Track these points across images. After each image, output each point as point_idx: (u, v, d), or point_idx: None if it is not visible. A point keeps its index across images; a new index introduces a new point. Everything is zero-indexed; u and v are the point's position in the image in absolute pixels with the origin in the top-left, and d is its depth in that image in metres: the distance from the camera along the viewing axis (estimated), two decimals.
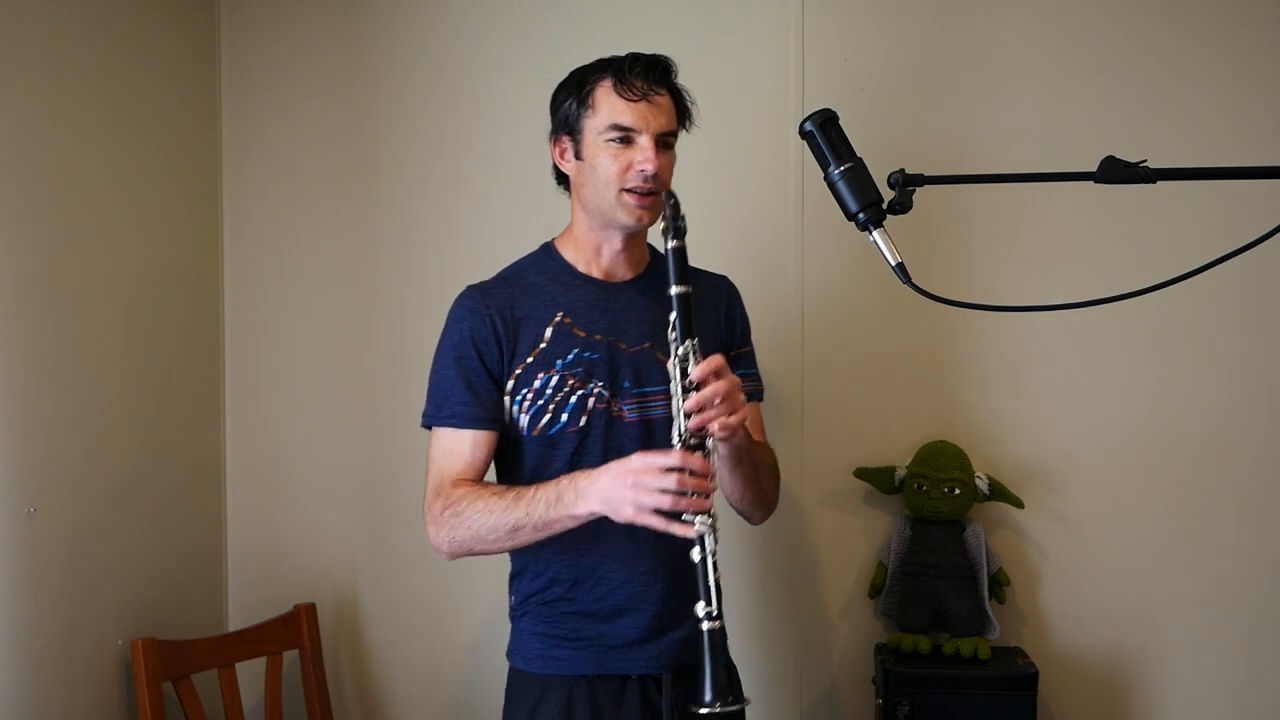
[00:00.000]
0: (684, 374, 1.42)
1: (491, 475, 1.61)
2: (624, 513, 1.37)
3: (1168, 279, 1.14)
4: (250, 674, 2.15)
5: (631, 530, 1.54)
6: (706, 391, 1.40)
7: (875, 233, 1.24)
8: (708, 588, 1.37)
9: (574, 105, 1.54)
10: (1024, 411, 2.14)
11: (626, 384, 1.57)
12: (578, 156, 1.55)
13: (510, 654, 1.64)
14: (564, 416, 1.54)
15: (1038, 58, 2.13)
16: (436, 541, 1.52)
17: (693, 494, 1.36)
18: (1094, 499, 2.12)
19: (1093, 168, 1.15)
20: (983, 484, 2.06)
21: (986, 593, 2.05)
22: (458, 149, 2.28)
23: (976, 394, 2.16)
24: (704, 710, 1.35)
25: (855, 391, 2.19)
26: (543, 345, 1.55)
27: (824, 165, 1.28)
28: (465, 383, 1.53)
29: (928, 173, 1.22)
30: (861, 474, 2.14)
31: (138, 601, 2.06)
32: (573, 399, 1.54)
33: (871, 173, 1.26)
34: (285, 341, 2.34)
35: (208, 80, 2.31)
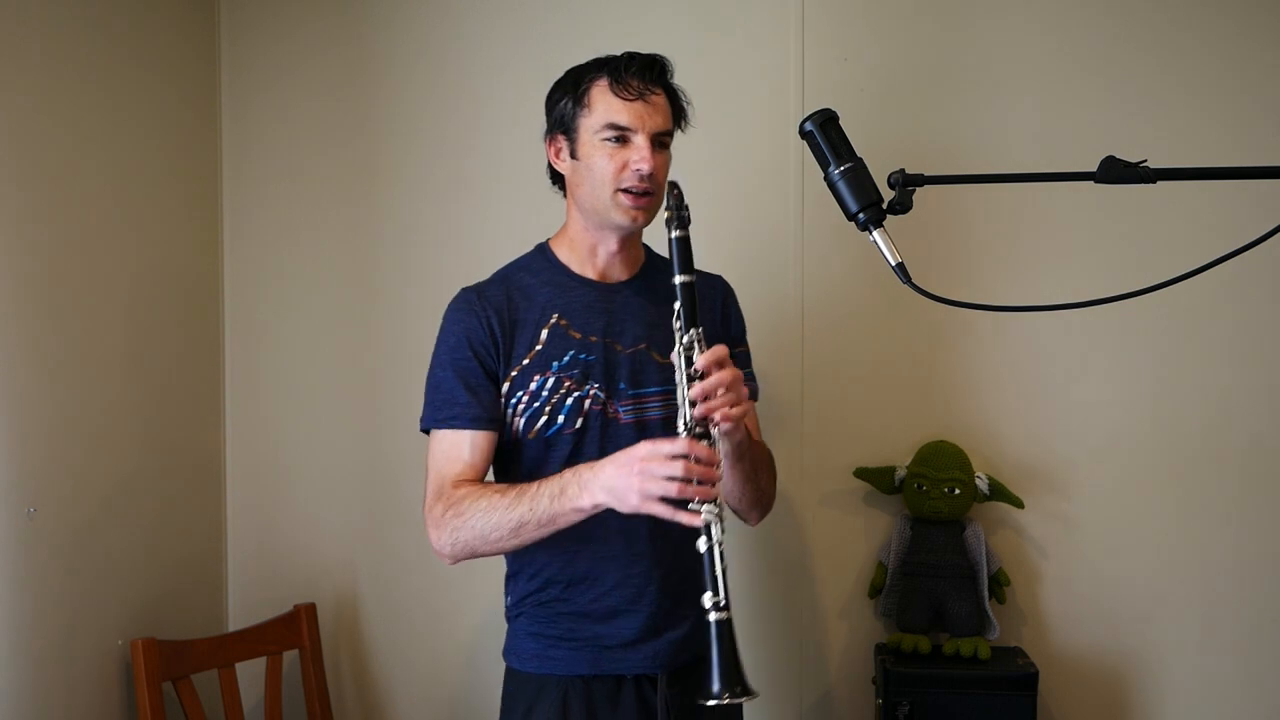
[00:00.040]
0: (689, 362, 1.41)
1: (489, 478, 1.60)
2: (630, 501, 1.35)
3: (1168, 279, 1.14)
4: (250, 674, 2.15)
5: (626, 532, 1.54)
6: (712, 380, 1.39)
7: (875, 233, 1.24)
8: (715, 577, 1.35)
9: (569, 104, 1.54)
10: (1024, 411, 2.14)
11: (622, 385, 1.56)
12: (573, 156, 1.55)
13: (506, 654, 1.64)
14: (560, 418, 1.54)
15: (1038, 58, 2.13)
16: (439, 545, 1.50)
17: (699, 482, 1.35)
18: (1094, 499, 2.12)
19: (1093, 168, 1.15)
20: (983, 484, 2.06)
21: (986, 593, 2.05)
22: (458, 149, 2.28)
23: (976, 394, 2.16)
24: (711, 702, 1.33)
25: (855, 391, 2.19)
26: (538, 347, 1.55)
27: (824, 165, 1.28)
28: (464, 384, 1.53)
29: (928, 173, 1.22)
30: (861, 474, 2.14)
31: (138, 601, 2.06)
32: (569, 401, 1.54)
33: (871, 173, 1.26)
34: (285, 341, 2.34)
35: (208, 80, 2.31)
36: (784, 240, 2.19)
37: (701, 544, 1.36)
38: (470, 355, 1.54)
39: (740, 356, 1.70)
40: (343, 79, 2.31)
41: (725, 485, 1.56)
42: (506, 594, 1.65)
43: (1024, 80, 2.13)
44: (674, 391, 1.56)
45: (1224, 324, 2.09)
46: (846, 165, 1.26)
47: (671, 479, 1.34)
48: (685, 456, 1.34)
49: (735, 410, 1.41)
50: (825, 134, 1.28)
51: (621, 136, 1.49)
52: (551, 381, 1.54)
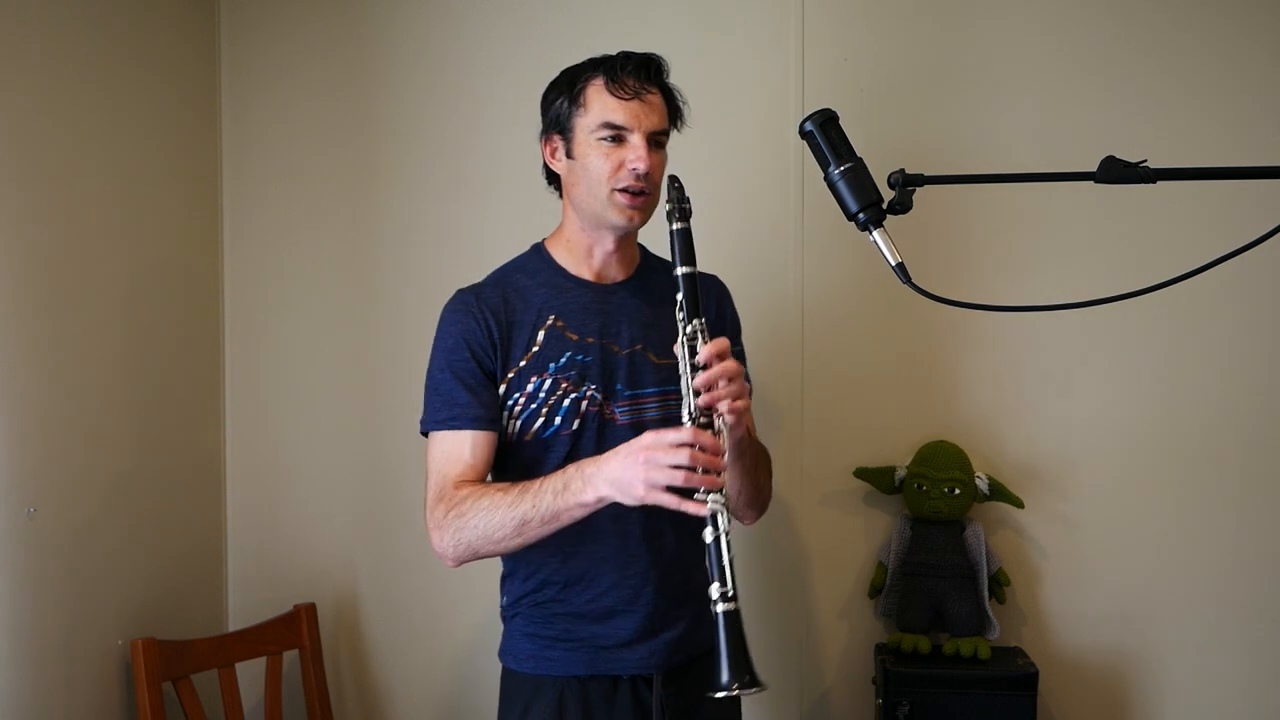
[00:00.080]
0: (693, 352, 1.41)
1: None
2: (635, 492, 1.34)
3: (1168, 279, 1.14)
4: (250, 674, 2.15)
5: (622, 532, 1.54)
6: (715, 370, 1.39)
7: (875, 233, 1.24)
8: (722, 568, 1.33)
9: (565, 104, 1.54)
10: (1024, 411, 2.14)
11: (619, 386, 1.56)
12: (569, 155, 1.55)
13: (502, 654, 1.64)
14: (557, 420, 1.53)
15: (1038, 58, 2.13)
16: (441, 548, 1.49)
17: (704, 471, 1.33)
18: (1094, 499, 2.12)
19: (1093, 168, 1.15)
20: (983, 484, 2.06)
21: (986, 593, 2.05)
22: (458, 149, 2.28)
23: (976, 394, 2.16)
24: (720, 694, 1.31)
25: (855, 392, 2.19)
26: (535, 349, 1.55)
27: (824, 165, 1.28)
28: (463, 384, 1.52)
29: (928, 173, 1.22)
30: (861, 474, 2.14)
31: (138, 601, 2.06)
32: (565, 402, 1.54)
33: (871, 173, 1.26)
34: (285, 341, 2.34)
35: (208, 80, 2.31)
36: (784, 240, 2.19)
37: (708, 534, 1.34)
38: (469, 356, 1.53)
39: (735, 356, 1.69)
40: (343, 79, 2.31)
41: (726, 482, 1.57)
42: (502, 594, 1.65)
43: (1024, 80, 2.13)
44: (671, 392, 1.56)
45: (1224, 324, 2.09)
46: (846, 165, 1.26)
47: (677, 467, 1.32)
48: (690, 445, 1.33)
49: (740, 403, 1.41)
50: (825, 134, 1.28)
51: (617, 136, 1.49)
52: (549, 383, 1.54)
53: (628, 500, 1.35)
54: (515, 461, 1.56)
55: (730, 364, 1.40)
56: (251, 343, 2.35)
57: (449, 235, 2.27)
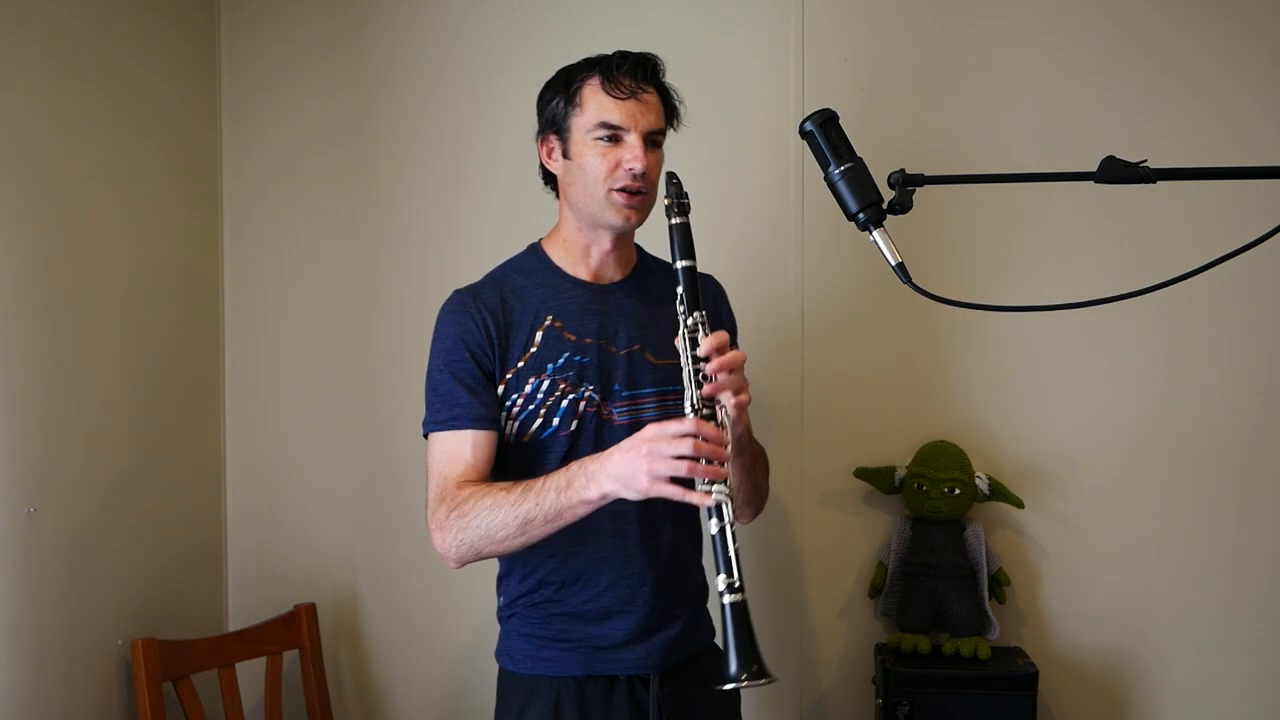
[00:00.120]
0: (694, 344, 1.40)
1: None
2: (639, 485, 1.32)
3: (1168, 279, 1.14)
4: (250, 674, 2.15)
5: (620, 532, 1.54)
6: (720, 361, 1.39)
7: (875, 233, 1.24)
8: (728, 559, 1.32)
9: (561, 104, 1.54)
10: (1024, 411, 2.14)
11: (617, 387, 1.56)
12: (565, 156, 1.55)
13: (499, 655, 1.64)
14: (555, 421, 1.53)
15: (1038, 58, 2.13)
16: (443, 548, 1.48)
17: (708, 462, 1.33)
18: (1094, 499, 2.12)
19: (1093, 168, 1.15)
20: (983, 484, 2.06)
21: (986, 593, 2.05)
22: (458, 149, 2.28)
23: (976, 394, 2.16)
24: (729, 685, 1.29)
25: (855, 391, 2.19)
26: (533, 350, 1.54)
27: (824, 165, 1.28)
28: (462, 385, 1.52)
29: (928, 173, 1.22)
30: (861, 474, 2.14)
31: (137, 601, 2.06)
32: (564, 403, 1.53)
33: (871, 173, 1.26)
34: (285, 341, 2.34)
35: (208, 80, 2.31)
36: (784, 240, 2.19)
37: (713, 526, 1.34)
38: (467, 357, 1.53)
39: None
40: (343, 79, 2.31)
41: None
42: (498, 594, 1.65)
43: (1024, 80, 2.13)
44: (669, 393, 1.56)
45: (1224, 324, 2.09)
46: (846, 165, 1.26)
47: (680, 458, 1.31)
48: (693, 435, 1.32)
49: (744, 396, 1.41)
50: (825, 134, 1.28)
51: (614, 135, 1.49)
52: (547, 384, 1.53)
53: (632, 494, 1.34)
54: (513, 463, 1.55)
55: (732, 356, 1.40)
56: (251, 343, 2.35)
57: (449, 235, 2.27)
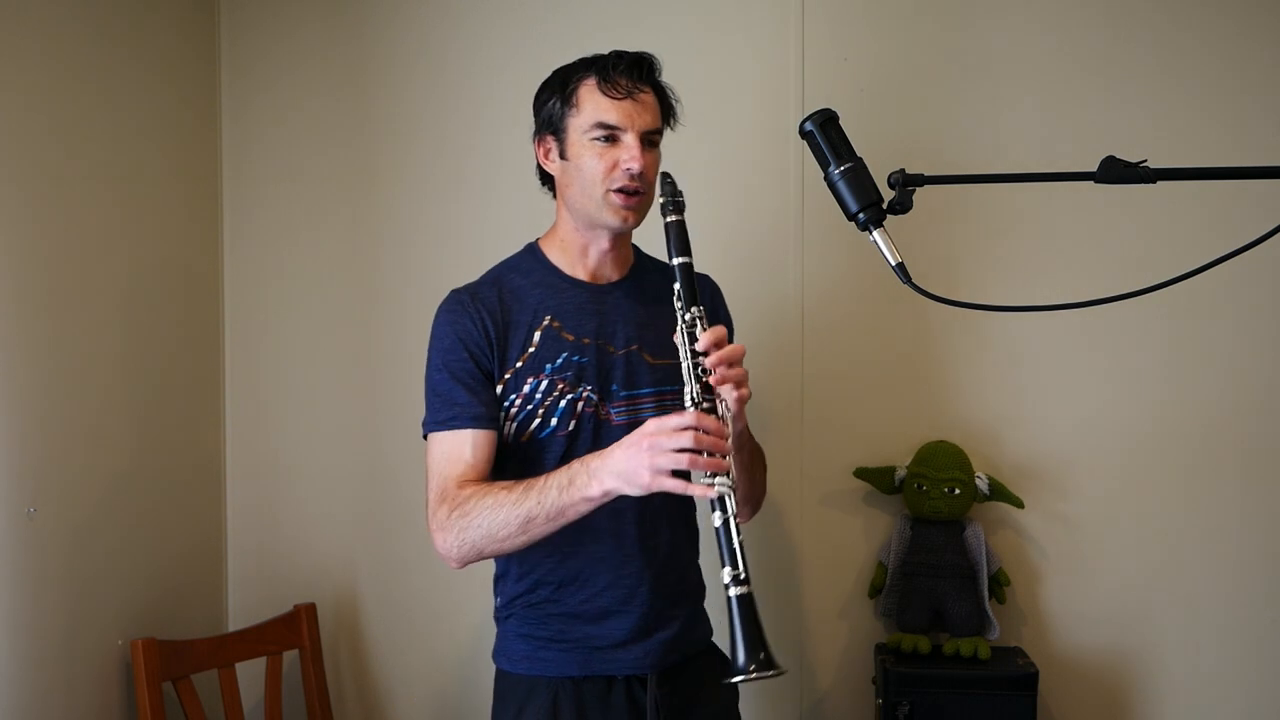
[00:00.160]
0: (692, 338, 1.40)
1: None
2: (641, 480, 1.32)
3: (1168, 279, 1.14)
4: (250, 674, 2.15)
5: (618, 532, 1.54)
6: (720, 354, 1.38)
7: (875, 233, 1.24)
8: (733, 551, 1.31)
9: (558, 104, 1.53)
10: (1024, 411, 2.14)
11: (615, 387, 1.56)
12: (562, 156, 1.54)
13: (496, 655, 1.64)
14: (553, 421, 1.53)
15: (1038, 58, 2.13)
16: (445, 548, 1.47)
17: (709, 454, 1.32)
18: (1094, 499, 2.13)
19: (1093, 168, 1.15)
20: (983, 484, 2.06)
21: (986, 593, 2.05)
22: (458, 149, 2.28)
23: (976, 394, 2.16)
24: (738, 678, 1.28)
25: (855, 391, 2.19)
26: (531, 350, 1.54)
27: (824, 165, 1.28)
28: (461, 384, 1.52)
29: (928, 173, 1.22)
30: (861, 474, 2.14)
31: (138, 601, 2.06)
32: (562, 403, 1.53)
33: (871, 173, 1.26)
34: (285, 341, 2.35)
35: (208, 80, 2.31)
36: (784, 240, 2.19)
37: (716, 518, 1.33)
38: (466, 356, 1.53)
39: None
40: (343, 79, 2.31)
41: None
42: (495, 595, 1.65)
43: (1024, 80, 2.13)
44: (667, 393, 1.57)
45: (1224, 324, 2.09)
46: (846, 165, 1.26)
47: (681, 450, 1.31)
48: (694, 429, 1.32)
49: (745, 390, 1.41)
50: (825, 134, 1.28)
51: (611, 136, 1.49)
52: (545, 384, 1.53)
53: (634, 490, 1.33)
54: (511, 463, 1.55)
55: (731, 349, 1.40)
56: (251, 343, 2.35)
57: (449, 235, 2.27)
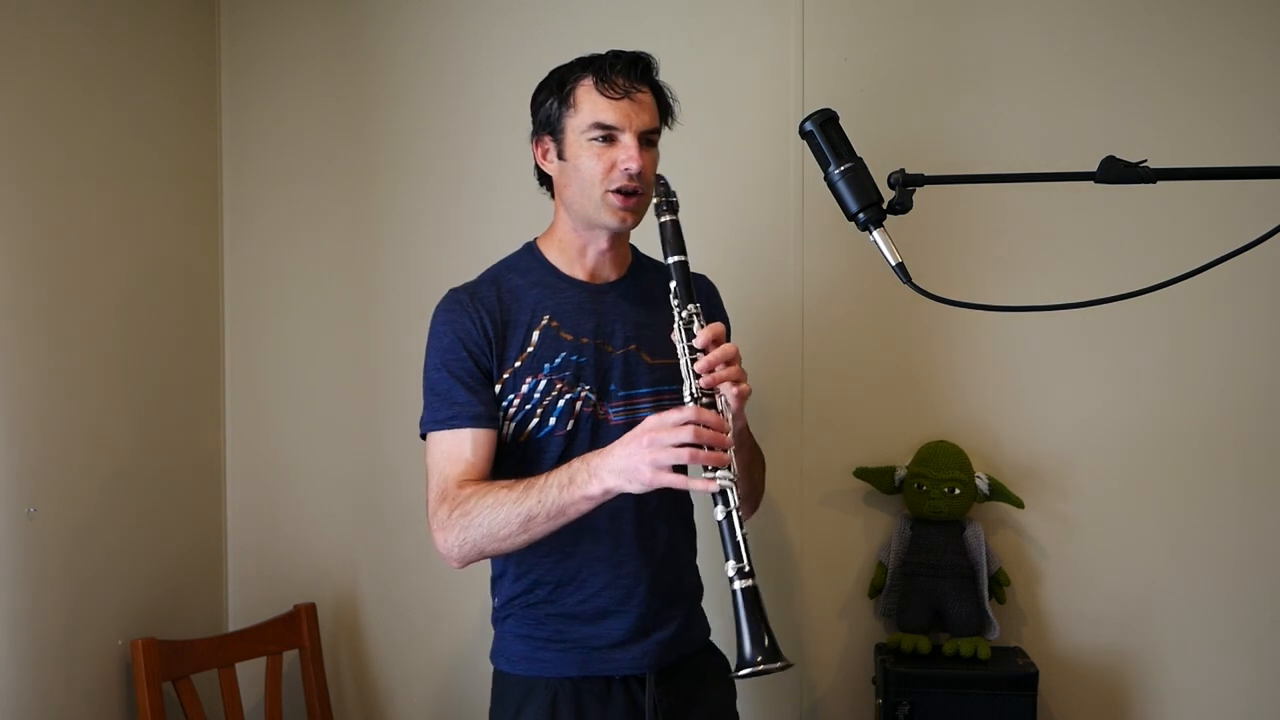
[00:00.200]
0: (690, 335, 1.40)
1: None
2: (643, 476, 1.31)
3: (1168, 279, 1.14)
4: (250, 674, 2.15)
5: (615, 531, 1.54)
6: (716, 353, 1.38)
7: (875, 233, 1.24)
8: (736, 544, 1.31)
9: (555, 105, 1.53)
10: (1024, 411, 2.14)
11: (613, 387, 1.56)
12: (560, 157, 1.54)
13: (494, 656, 1.64)
14: (551, 421, 1.53)
15: (1038, 58, 2.13)
16: (445, 548, 1.47)
17: (709, 448, 1.32)
18: (1094, 499, 2.13)
19: (1093, 168, 1.15)
20: (983, 484, 2.06)
21: (986, 593, 2.05)
22: (458, 149, 2.28)
23: (976, 394, 2.16)
24: (745, 671, 1.27)
25: (855, 391, 2.19)
26: (530, 349, 1.54)
27: (824, 165, 1.28)
28: (461, 383, 1.52)
29: (928, 173, 1.22)
30: (861, 474, 2.14)
31: (138, 601, 2.06)
32: (560, 403, 1.53)
33: (871, 173, 1.26)
34: (285, 341, 2.35)
35: (208, 80, 2.31)
36: (784, 240, 2.19)
37: (719, 512, 1.32)
38: (465, 355, 1.52)
39: None
40: (343, 79, 2.31)
41: None
42: (493, 595, 1.65)
43: (1024, 80, 2.13)
44: (665, 392, 1.57)
45: (1224, 324, 2.09)
46: (846, 165, 1.26)
47: (682, 445, 1.30)
48: (694, 423, 1.32)
49: (745, 386, 1.41)
50: (825, 134, 1.28)
51: (608, 136, 1.49)
52: (543, 384, 1.53)
53: (635, 487, 1.33)
54: (509, 463, 1.55)
55: (729, 347, 1.40)
56: (251, 343, 2.35)
57: (449, 235, 2.27)
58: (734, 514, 1.32)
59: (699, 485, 1.32)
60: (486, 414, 1.52)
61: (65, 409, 1.88)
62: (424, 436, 1.55)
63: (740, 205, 2.19)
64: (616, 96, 1.49)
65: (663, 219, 1.46)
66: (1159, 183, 1.14)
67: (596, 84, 1.49)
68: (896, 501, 2.15)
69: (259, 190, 2.34)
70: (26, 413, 1.80)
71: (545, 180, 1.63)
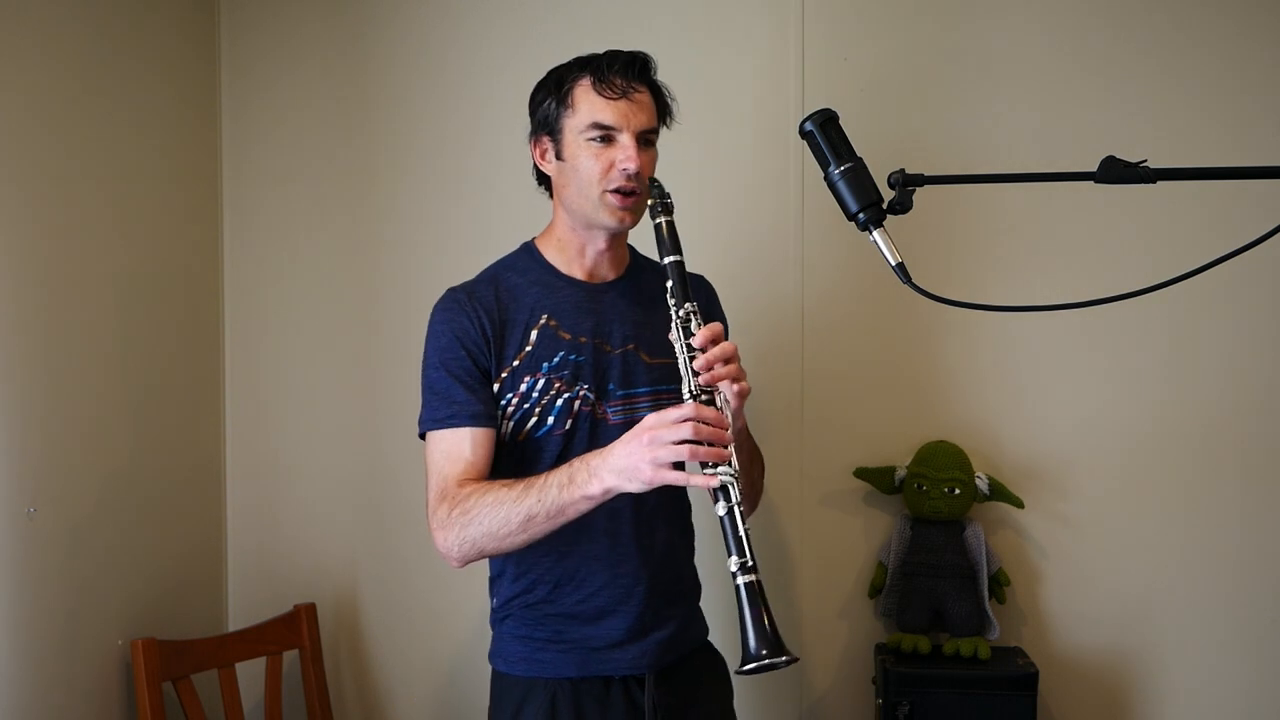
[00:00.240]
0: (688, 333, 1.40)
1: None
2: (643, 475, 1.31)
3: (1168, 279, 1.14)
4: (250, 674, 2.15)
5: (614, 531, 1.54)
6: (715, 351, 1.38)
7: (875, 233, 1.24)
8: (739, 539, 1.31)
9: (553, 105, 1.53)
10: (1024, 411, 2.14)
11: (612, 386, 1.56)
12: (559, 157, 1.54)
13: (492, 657, 1.64)
14: (550, 420, 1.53)
15: (1038, 58, 2.13)
16: (445, 547, 1.46)
17: (709, 445, 1.31)
18: (1094, 499, 2.12)
19: (1093, 168, 1.15)
20: (983, 484, 2.06)
21: (986, 593, 2.05)
22: (458, 149, 2.28)
23: (976, 394, 2.16)
24: (750, 665, 1.26)
25: (855, 391, 2.19)
26: (528, 348, 1.54)
27: (824, 165, 1.28)
28: (460, 382, 1.51)
29: (928, 173, 1.22)
30: (861, 474, 2.14)
31: (138, 601, 2.06)
32: (559, 402, 1.53)
33: (871, 173, 1.26)
34: (285, 341, 2.35)
35: (208, 80, 2.31)
36: (784, 240, 2.19)
37: (720, 508, 1.32)
38: (464, 354, 1.52)
39: None
40: (343, 79, 2.31)
41: None
42: (491, 596, 1.64)
43: (1024, 80, 2.13)
44: (664, 392, 1.57)
45: (1224, 324, 2.09)
46: (846, 165, 1.26)
47: (681, 442, 1.30)
48: (693, 419, 1.31)
49: (744, 384, 1.41)
50: (825, 134, 1.28)
51: (606, 136, 1.49)
52: (542, 383, 1.53)
53: (635, 486, 1.33)
54: (507, 462, 1.55)
55: (727, 345, 1.40)
56: (251, 343, 2.35)
57: (449, 235, 2.27)
58: (736, 509, 1.32)
59: (700, 481, 1.32)
60: (485, 413, 1.52)
61: (65, 409, 1.88)
62: (423, 436, 1.55)
63: (740, 205, 2.19)
64: (614, 96, 1.49)
65: (659, 220, 1.46)
66: (1159, 183, 1.14)
67: (594, 84, 1.49)
68: (896, 501, 2.15)
69: (259, 190, 2.34)
70: (26, 413, 1.80)
71: (544, 180, 1.62)
